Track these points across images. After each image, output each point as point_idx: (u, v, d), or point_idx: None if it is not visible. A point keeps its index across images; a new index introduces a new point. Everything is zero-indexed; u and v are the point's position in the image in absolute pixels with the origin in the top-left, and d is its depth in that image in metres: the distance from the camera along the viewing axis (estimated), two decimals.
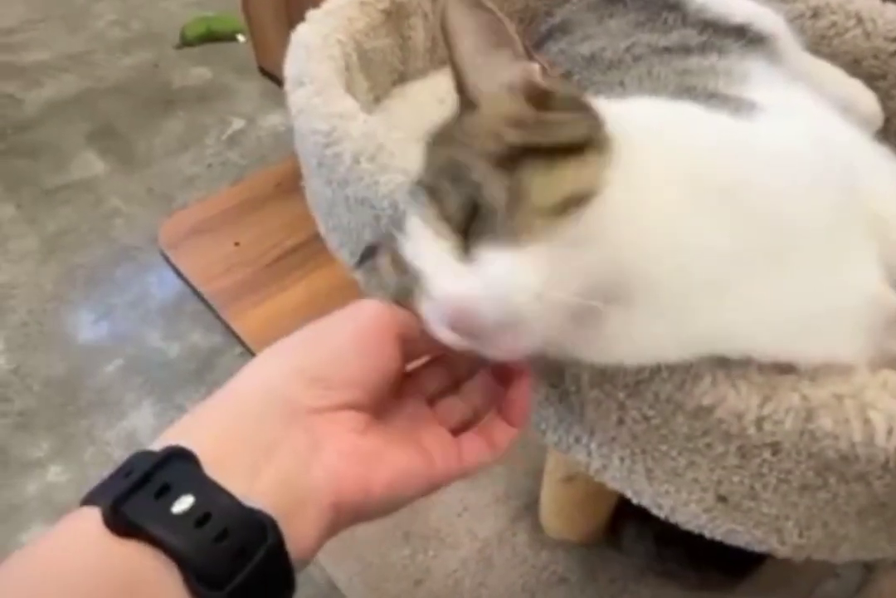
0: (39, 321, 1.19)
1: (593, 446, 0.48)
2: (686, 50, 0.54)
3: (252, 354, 1.15)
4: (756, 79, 0.48)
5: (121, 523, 0.29)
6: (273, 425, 0.34)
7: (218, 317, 1.20)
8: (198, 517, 0.29)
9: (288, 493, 0.33)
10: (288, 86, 0.57)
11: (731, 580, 0.90)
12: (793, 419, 0.38)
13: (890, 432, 0.37)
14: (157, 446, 0.32)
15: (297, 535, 0.32)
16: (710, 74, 0.47)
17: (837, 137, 0.46)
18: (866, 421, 0.37)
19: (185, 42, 1.71)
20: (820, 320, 0.38)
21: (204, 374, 1.14)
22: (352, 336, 0.38)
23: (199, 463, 0.31)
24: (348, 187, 0.52)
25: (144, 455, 0.32)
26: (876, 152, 0.48)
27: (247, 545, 0.30)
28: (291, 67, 0.58)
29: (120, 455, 1.04)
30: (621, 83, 0.50)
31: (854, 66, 0.66)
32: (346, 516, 0.35)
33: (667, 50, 0.54)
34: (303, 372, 0.36)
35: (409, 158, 0.50)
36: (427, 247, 0.36)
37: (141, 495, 0.30)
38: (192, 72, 1.67)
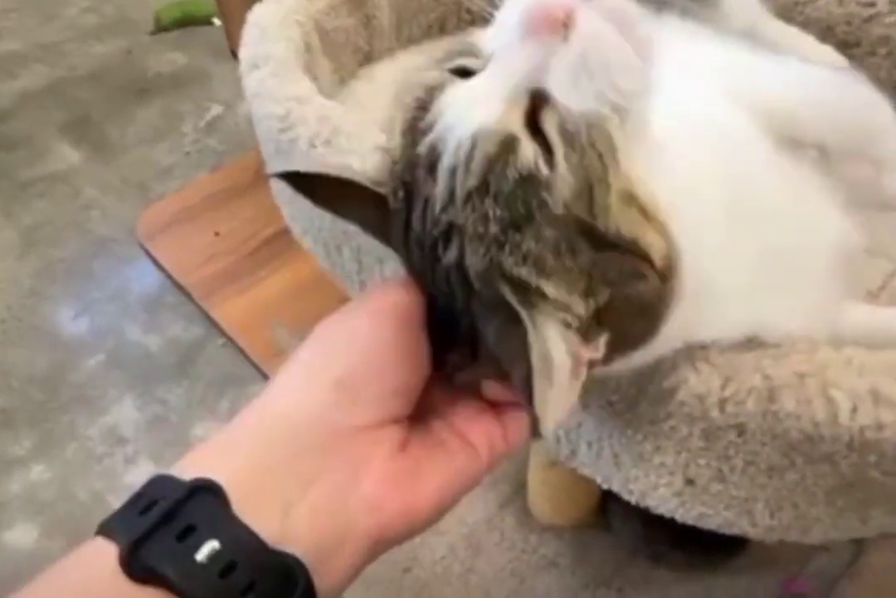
0: (18, 317, 1.18)
1: (561, 432, 0.47)
2: None
3: (235, 344, 1.14)
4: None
5: (139, 566, 0.27)
6: (309, 454, 0.31)
7: (199, 308, 1.19)
8: (223, 567, 0.27)
9: (325, 533, 0.30)
10: (243, 68, 0.56)
11: (720, 560, 0.90)
12: (755, 400, 0.37)
13: (854, 410, 0.36)
14: (180, 471, 0.29)
15: (330, 575, 0.30)
16: None
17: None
18: (829, 400, 0.36)
19: (160, 27, 1.68)
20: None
21: (186, 366, 1.13)
22: (387, 337, 0.33)
23: (227, 500, 0.28)
24: None
25: (167, 484, 0.29)
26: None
27: (274, 596, 0.28)
28: (246, 49, 0.57)
29: (102, 451, 1.03)
30: None
31: (827, 33, 0.65)
32: (388, 544, 0.32)
33: None
34: (340, 386, 0.32)
35: (367, 142, 0.48)
36: None
37: (162, 535, 0.27)
38: (168, 57, 1.64)
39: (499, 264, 0.29)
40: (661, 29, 0.49)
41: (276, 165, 0.55)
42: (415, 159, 0.32)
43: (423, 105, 0.32)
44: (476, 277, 0.30)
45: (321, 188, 0.34)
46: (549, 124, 0.30)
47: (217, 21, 1.66)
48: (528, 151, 0.29)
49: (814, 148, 0.43)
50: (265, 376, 1.09)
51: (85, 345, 1.15)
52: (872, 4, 0.62)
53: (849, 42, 0.64)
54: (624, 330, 0.32)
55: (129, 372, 1.12)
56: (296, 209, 0.57)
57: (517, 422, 0.35)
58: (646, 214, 0.31)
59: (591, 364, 0.31)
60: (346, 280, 0.56)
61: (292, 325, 1.10)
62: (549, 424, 0.29)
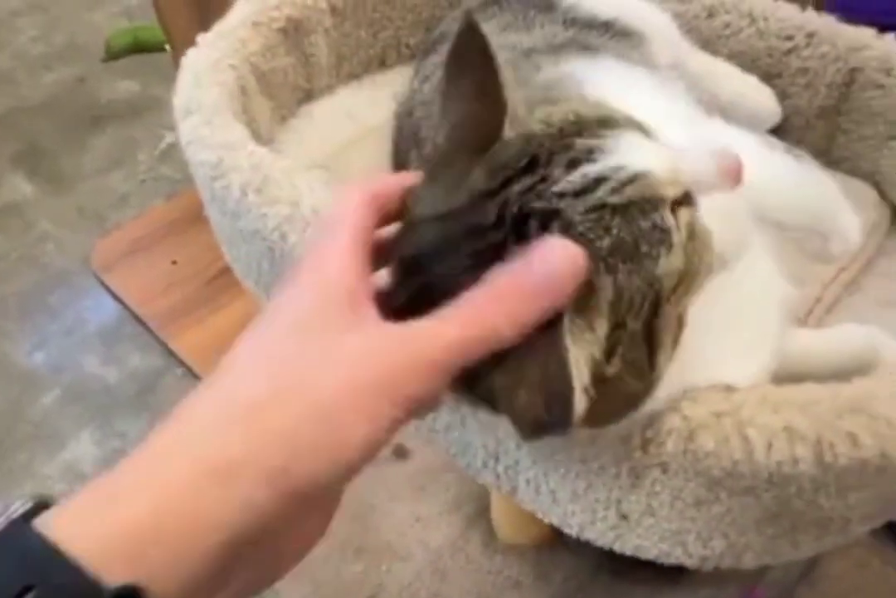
0: None
1: (500, 469, 0.48)
2: (552, 48, 0.54)
3: (194, 374, 1.13)
4: (593, 85, 0.49)
5: None
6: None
7: (157, 338, 1.18)
8: None
9: None
10: (176, 114, 0.56)
11: (680, 573, 0.91)
12: (675, 440, 0.38)
13: (769, 447, 0.37)
14: (64, 534, 0.24)
15: None
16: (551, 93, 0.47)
17: None
18: (745, 438, 0.37)
19: (111, 54, 1.67)
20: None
21: (146, 397, 1.12)
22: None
23: None
24: (240, 220, 0.51)
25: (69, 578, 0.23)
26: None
27: None
28: (180, 95, 0.57)
29: (60, 489, 1.02)
30: None
31: (751, 64, 0.67)
32: None
33: (532, 50, 0.54)
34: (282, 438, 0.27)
35: (298, 188, 0.49)
36: None
37: None
38: (120, 85, 1.63)
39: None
40: (602, 71, 0.52)
41: (212, 211, 0.56)
42: (560, 145, 0.32)
43: (602, 121, 0.33)
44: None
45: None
46: (683, 218, 0.32)
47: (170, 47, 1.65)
48: (669, 216, 0.32)
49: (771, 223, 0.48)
50: None
51: (41, 380, 1.14)
52: (791, 38, 0.64)
53: (771, 73, 0.66)
54: (597, 409, 0.32)
55: (88, 406, 1.11)
56: (234, 250, 0.57)
57: None
58: (676, 337, 0.34)
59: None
60: None
61: None
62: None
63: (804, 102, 0.66)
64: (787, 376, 0.45)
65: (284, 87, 0.69)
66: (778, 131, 0.69)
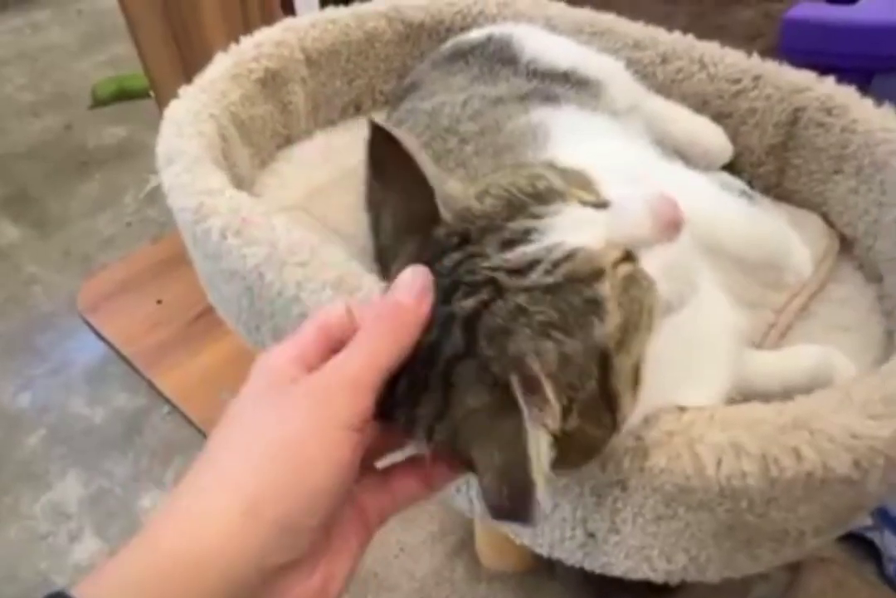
0: None
1: (472, 494, 0.50)
2: (519, 98, 0.58)
3: (179, 412, 1.15)
4: (559, 133, 0.53)
5: None
6: None
7: (143, 377, 1.20)
8: None
9: None
10: (159, 163, 0.59)
11: (664, 596, 0.92)
12: (630, 459, 0.40)
13: (718, 463, 0.40)
14: None
15: None
16: (524, 138, 0.51)
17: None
18: (695, 455, 0.40)
19: (97, 101, 1.72)
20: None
21: (132, 437, 1.13)
22: (342, 473, 0.31)
23: None
24: (221, 262, 0.53)
25: None
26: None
27: None
28: (163, 144, 0.60)
29: (46, 529, 1.02)
30: (462, 140, 0.54)
31: (703, 106, 0.71)
32: None
33: (500, 100, 0.58)
34: (274, 524, 0.29)
35: (276, 229, 0.52)
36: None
37: None
38: (107, 131, 1.67)
39: (516, 344, 0.32)
40: (566, 120, 0.56)
41: (195, 253, 0.59)
42: (493, 225, 0.35)
43: (538, 196, 0.36)
44: (486, 336, 0.32)
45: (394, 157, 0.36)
46: (622, 272, 0.35)
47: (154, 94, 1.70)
48: (606, 288, 0.34)
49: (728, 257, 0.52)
50: None
51: (27, 421, 1.15)
52: (738, 81, 0.68)
53: (723, 113, 0.70)
54: (563, 457, 0.34)
55: (73, 446, 1.12)
56: (216, 291, 0.60)
57: (405, 488, 0.37)
58: (636, 379, 0.36)
59: None
60: None
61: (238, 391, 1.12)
62: (534, 522, 0.31)
63: (754, 139, 0.70)
64: (745, 395, 0.49)
65: (263, 133, 0.72)
66: (732, 167, 0.73)
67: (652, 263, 0.36)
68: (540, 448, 0.32)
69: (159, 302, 1.30)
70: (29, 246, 1.41)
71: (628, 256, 0.35)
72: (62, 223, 1.45)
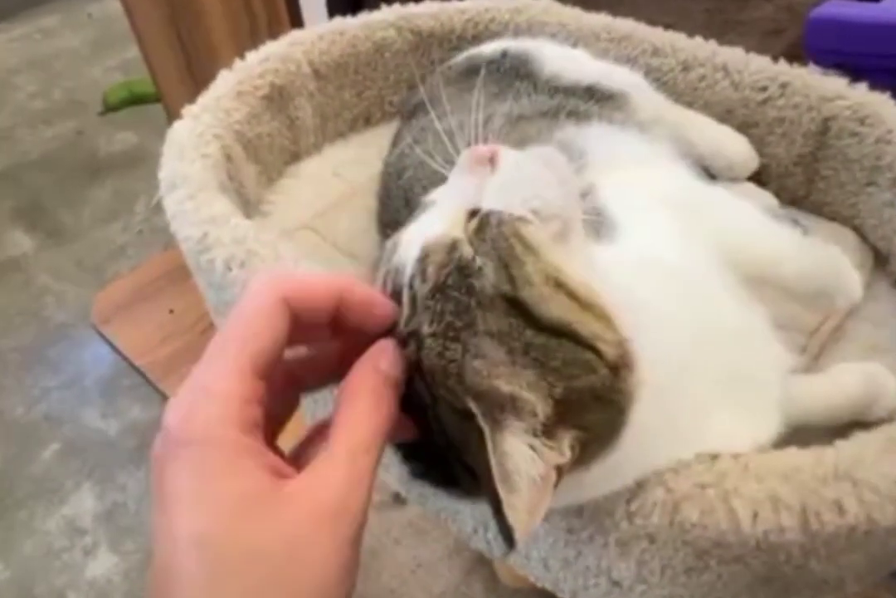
0: None
1: (489, 536, 0.47)
2: (542, 114, 0.55)
3: None
4: (593, 154, 0.51)
5: None
6: None
7: (156, 389, 1.19)
8: None
9: None
10: (162, 188, 0.57)
11: None
12: (660, 513, 0.38)
13: (755, 517, 0.37)
14: None
15: None
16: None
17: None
18: (730, 509, 0.37)
19: (108, 108, 1.71)
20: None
21: (145, 450, 1.12)
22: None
23: None
24: (225, 292, 0.51)
25: None
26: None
27: None
28: (165, 167, 0.58)
29: (61, 545, 1.01)
30: None
31: (728, 115, 0.68)
32: None
33: (522, 117, 0.55)
34: None
35: (282, 258, 0.50)
36: None
37: None
38: (118, 137, 1.66)
39: (456, 366, 0.30)
40: (597, 141, 0.54)
41: (199, 281, 0.56)
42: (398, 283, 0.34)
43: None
44: (438, 383, 0.31)
45: None
46: (474, 228, 0.34)
47: None
48: (467, 248, 0.33)
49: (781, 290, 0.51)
50: None
51: (41, 434, 1.14)
52: (765, 89, 0.65)
53: (748, 123, 0.67)
54: (587, 427, 0.32)
55: (87, 459, 1.11)
56: (220, 318, 0.58)
57: None
58: (578, 300, 0.32)
59: (560, 470, 0.31)
60: None
61: None
62: (521, 532, 0.29)
63: (782, 150, 0.67)
64: (790, 424, 0.46)
65: (270, 150, 0.70)
66: (759, 178, 0.70)
67: (499, 196, 0.35)
68: (518, 458, 0.30)
69: (171, 312, 1.29)
70: (42, 257, 1.41)
71: (474, 213, 0.35)
72: (74, 233, 1.45)
